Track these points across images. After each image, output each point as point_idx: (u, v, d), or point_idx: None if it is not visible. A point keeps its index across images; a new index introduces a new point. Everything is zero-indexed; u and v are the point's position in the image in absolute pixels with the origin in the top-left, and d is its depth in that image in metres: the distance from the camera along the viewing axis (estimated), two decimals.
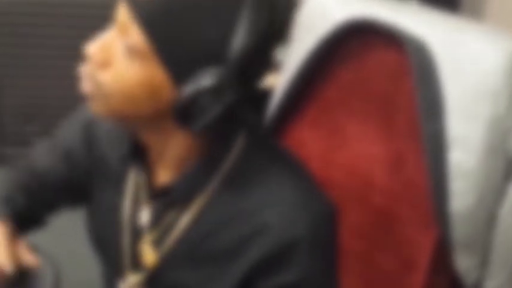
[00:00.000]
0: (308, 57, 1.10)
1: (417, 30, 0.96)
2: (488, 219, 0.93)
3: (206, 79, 0.79)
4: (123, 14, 0.82)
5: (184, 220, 0.91)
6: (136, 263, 0.97)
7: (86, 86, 0.87)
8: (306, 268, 0.87)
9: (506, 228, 0.93)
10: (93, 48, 0.84)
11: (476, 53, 0.91)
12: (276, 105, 1.18)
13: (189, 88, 0.80)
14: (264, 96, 1.23)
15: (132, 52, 0.81)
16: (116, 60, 0.83)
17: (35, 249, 1.01)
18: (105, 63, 0.84)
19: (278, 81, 1.20)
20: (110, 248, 1.01)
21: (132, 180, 0.98)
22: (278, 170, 0.90)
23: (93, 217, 1.06)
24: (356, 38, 1.05)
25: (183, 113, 0.81)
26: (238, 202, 0.89)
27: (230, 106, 0.81)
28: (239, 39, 0.79)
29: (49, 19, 2.74)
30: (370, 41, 1.04)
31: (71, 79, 2.80)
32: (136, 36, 0.81)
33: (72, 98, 2.74)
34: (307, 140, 1.12)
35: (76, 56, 2.74)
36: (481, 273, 0.96)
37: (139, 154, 0.95)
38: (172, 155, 0.90)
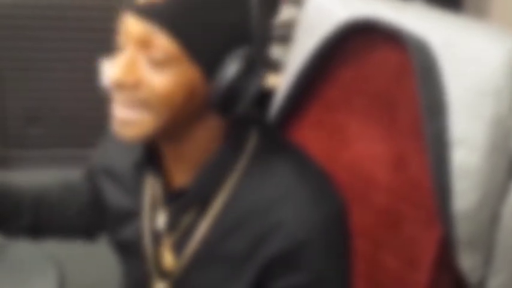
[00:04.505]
0: (310, 57, 1.10)
1: (420, 30, 0.96)
2: (492, 217, 0.93)
3: (236, 63, 0.81)
4: (139, 29, 0.81)
5: (203, 223, 0.91)
6: (161, 269, 0.97)
7: (123, 113, 0.85)
8: (318, 267, 0.87)
9: (509, 226, 0.93)
10: (119, 74, 0.83)
11: (479, 52, 0.91)
12: (278, 105, 1.18)
13: (224, 76, 0.81)
14: (266, 96, 1.24)
15: (160, 62, 0.81)
16: (144, 76, 0.83)
17: (38, 249, 1.01)
18: (136, 84, 0.83)
19: (280, 82, 1.20)
20: (135, 256, 1.01)
21: (149, 185, 0.98)
22: (291, 167, 0.91)
23: (113, 227, 1.06)
24: (358, 38, 1.05)
25: (224, 102, 0.83)
26: (253, 200, 0.89)
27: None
28: (256, 16, 0.81)
29: (52, 22, 2.74)
30: (372, 40, 1.04)
31: (74, 82, 2.81)
32: (163, 45, 0.80)
33: (75, 100, 2.75)
34: (309, 140, 1.12)
35: (78, 58, 2.74)
36: (484, 271, 0.96)
37: (153, 160, 0.95)
38: (189, 157, 0.90)
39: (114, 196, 1.03)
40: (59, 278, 0.99)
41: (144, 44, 0.82)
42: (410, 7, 1.06)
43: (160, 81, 0.82)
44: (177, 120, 0.85)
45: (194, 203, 0.91)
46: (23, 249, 1.05)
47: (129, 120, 0.85)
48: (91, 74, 2.75)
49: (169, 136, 0.89)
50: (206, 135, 0.89)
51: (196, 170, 0.90)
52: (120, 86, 0.83)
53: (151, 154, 0.95)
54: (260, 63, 0.82)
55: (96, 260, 1.11)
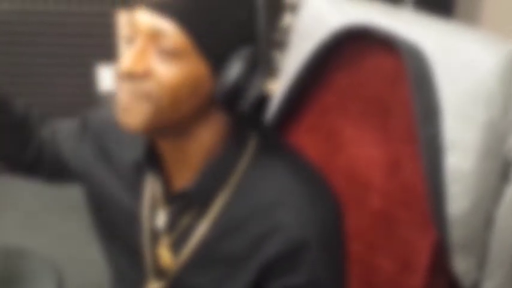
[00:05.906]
0: (305, 63, 1.11)
1: (412, 36, 0.97)
2: (485, 221, 0.94)
3: (242, 61, 0.84)
4: (151, 21, 0.83)
5: (203, 224, 0.92)
6: (158, 269, 0.97)
7: (128, 101, 0.86)
8: (316, 269, 0.88)
9: (502, 229, 0.94)
10: (130, 63, 0.84)
11: (471, 57, 0.92)
12: (274, 111, 1.19)
13: (230, 73, 0.83)
14: (263, 101, 1.24)
15: (169, 54, 0.83)
16: (153, 67, 0.84)
17: (36, 253, 1.02)
18: (145, 74, 0.85)
19: (276, 87, 1.21)
20: (129, 255, 1.01)
21: (150, 184, 0.98)
22: (289, 170, 0.92)
23: (107, 220, 1.06)
24: (352, 44, 1.06)
25: (228, 99, 0.85)
26: (253, 202, 0.90)
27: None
28: (262, 18, 0.83)
29: (50, 28, 2.76)
30: (367, 46, 1.05)
31: (72, 87, 2.81)
32: (173, 37, 0.82)
33: (72, 105, 2.76)
34: (305, 144, 1.14)
35: (77, 64, 2.75)
36: (478, 275, 0.97)
37: (154, 160, 0.96)
38: (190, 157, 0.91)
39: (112, 189, 1.03)
40: (58, 281, 1.00)
41: (153, 36, 0.83)
42: (403, 13, 1.07)
43: (167, 72, 0.84)
44: (180, 115, 0.86)
45: (196, 203, 0.93)
46: (22, 254, 1.06)
47: (130, 107, 0.86)
48: (88, 79, 2.76)
49: (172, 133, 0.90)
50: (208, 135, 0.90)
51: (197, 171, 0.92)
52: (130, 75, 0.85)
53: (152, 154, 0.96)
54: (263, 63, 0.85)
55: (94, 262, 1.12)
